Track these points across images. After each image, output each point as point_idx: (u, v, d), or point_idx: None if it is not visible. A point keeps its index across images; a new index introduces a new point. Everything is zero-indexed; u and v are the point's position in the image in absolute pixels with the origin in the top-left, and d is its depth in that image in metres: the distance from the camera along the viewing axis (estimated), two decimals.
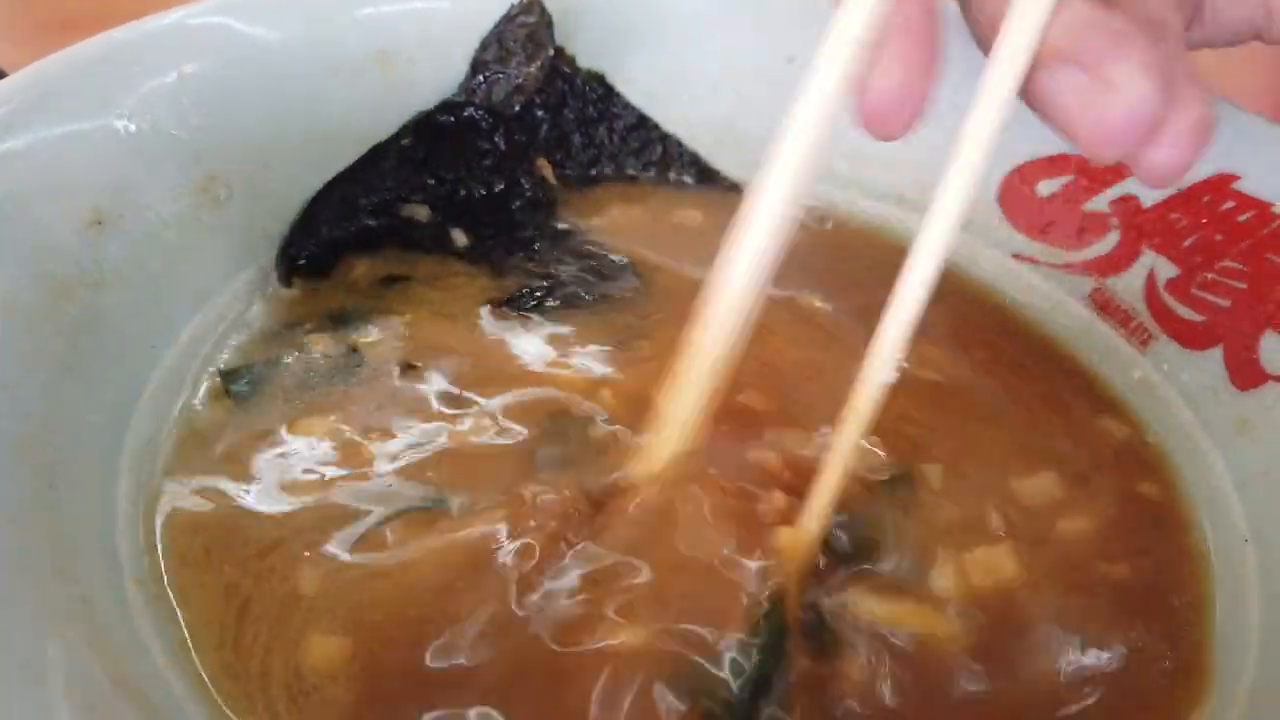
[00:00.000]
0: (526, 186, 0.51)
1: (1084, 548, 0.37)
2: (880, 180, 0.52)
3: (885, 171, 0.51)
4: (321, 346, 0.40)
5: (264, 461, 0.35)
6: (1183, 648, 0.34)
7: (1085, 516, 0.38)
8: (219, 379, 0.38)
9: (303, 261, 0.44)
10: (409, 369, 0.39)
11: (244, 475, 0.35)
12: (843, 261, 0.50)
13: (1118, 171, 0.45)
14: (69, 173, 0.36)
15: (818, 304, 0.46)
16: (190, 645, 0.30)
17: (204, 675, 0.30)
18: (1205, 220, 0.42)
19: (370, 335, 0.40)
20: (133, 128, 0.39)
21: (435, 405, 0.38)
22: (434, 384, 0.38)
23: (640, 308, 0.44)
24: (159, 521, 0.33)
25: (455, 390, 0.38)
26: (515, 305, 0.43)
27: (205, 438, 0.36)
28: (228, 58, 0.43)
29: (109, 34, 0.39)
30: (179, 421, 0.37)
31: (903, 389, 0.32)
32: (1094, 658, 0.34)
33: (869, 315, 0.44)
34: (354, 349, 0.40)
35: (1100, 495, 0.39)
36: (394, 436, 0.36)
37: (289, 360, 0.39)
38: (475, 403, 0.38)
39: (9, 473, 0.29)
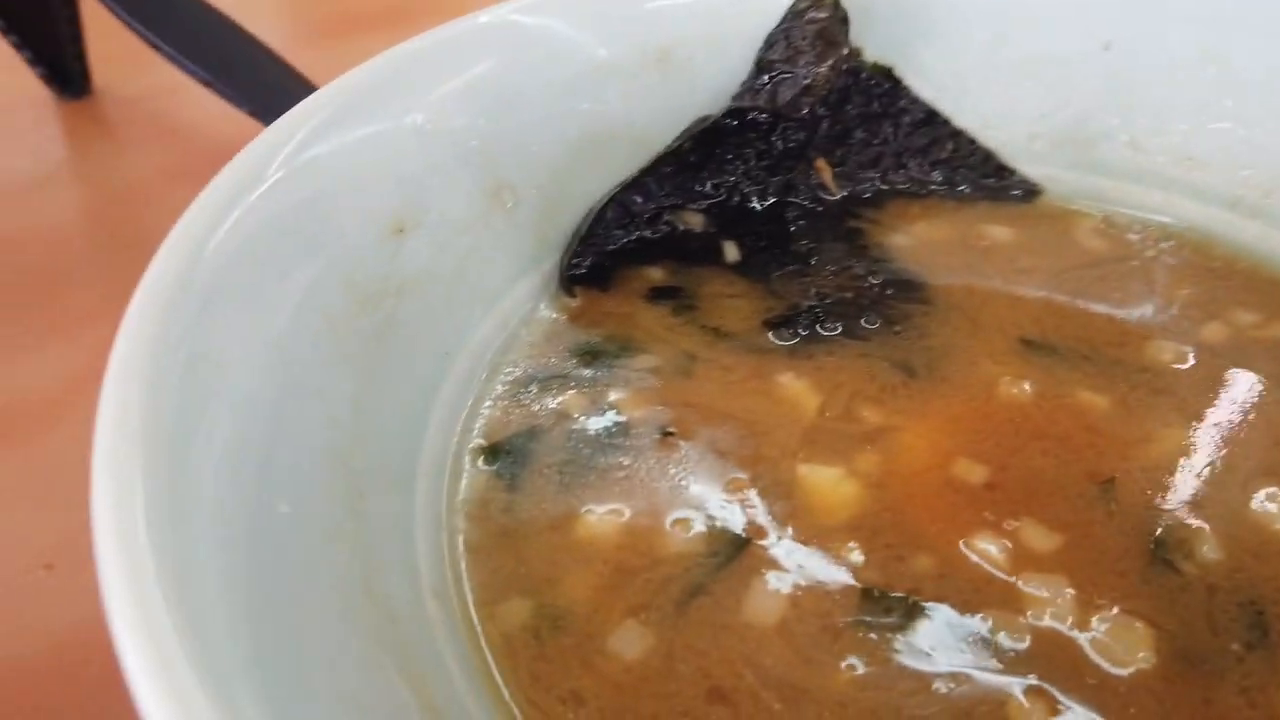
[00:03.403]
0: (803, 193, 0.48)
1: None
2: (1214, 182, 0.45)
3: (1221, 172, 0.45)
4: (578, 410, 0.38)
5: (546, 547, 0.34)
6: None
7: None
8: (481, 455, 0.36)
9: (584, 272, 0.43)
10: (667, 435, 0.37)
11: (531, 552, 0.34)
12: (1160, 274, 0.44)
13: None
14: (372, 181, 0.37)
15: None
16: (492, 666, 0.30)
17: (505, 696, 0.29)
18: None
19: (625, 393, 0.38)
20: (429, 132, 0.39)
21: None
22: (697, 458, 0.36)
23: (929, 336, 0.41)
24: (460, 535, 0.34)
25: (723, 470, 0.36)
26: (787, 328, 0.41)
27: (488, 506, 0.35)
28: (516, 59, 0.42)
29: (410, 42, 0.40)
30: (467, 453, 0.37)
31: None
32: None
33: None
34: (614, 409, 0.38)
35: None
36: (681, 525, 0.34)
37: (551, 431, 0.37)
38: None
39: (326, 485, 0.30)
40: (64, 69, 0.69)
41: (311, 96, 0.37)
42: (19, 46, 0.66)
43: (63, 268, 0.58)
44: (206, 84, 0.56)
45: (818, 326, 0.41)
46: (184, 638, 0.21)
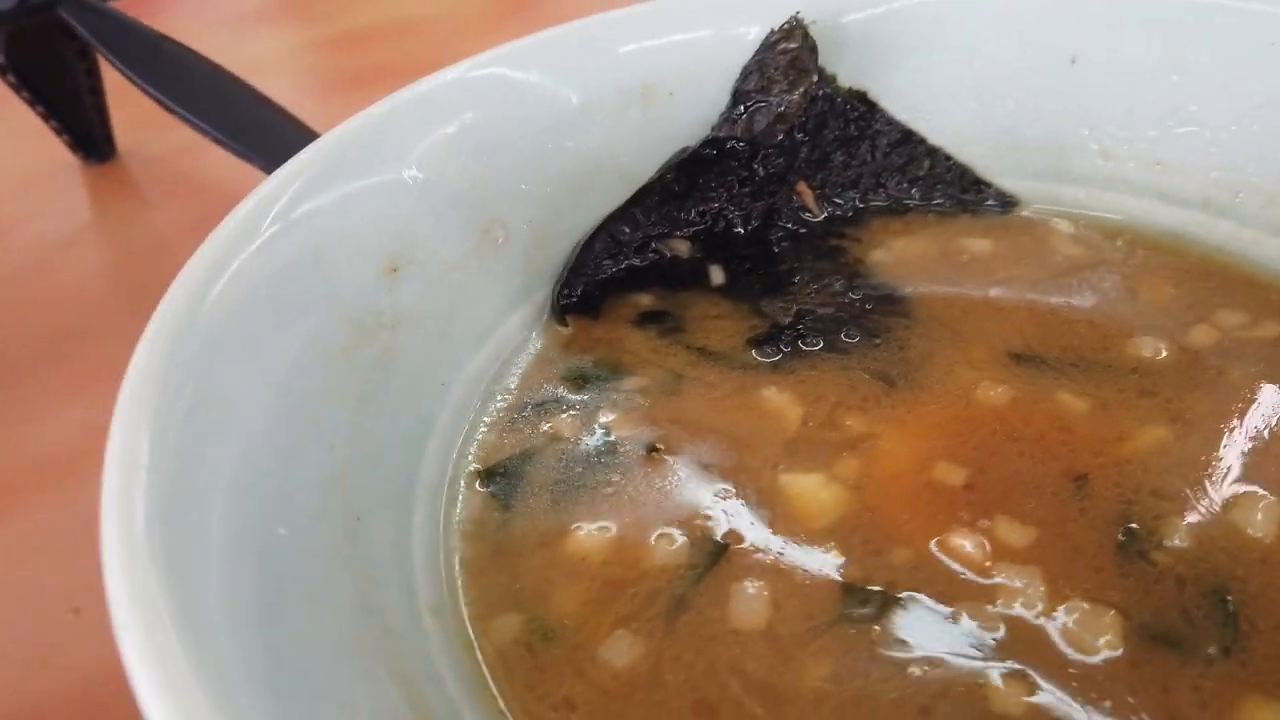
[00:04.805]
0: (786, 216, 0.50)
1: None
2: (1184, 185, 0.47)
3: (1190, 175, 0.46)
4: (569, 432, 0.39)
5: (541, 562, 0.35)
6: None
7: None
8: (477, 479, 0.38)
9: (574, 301, 0.45)
10: (654, 452, 0.38)
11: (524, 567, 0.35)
12: (1137, 277, 0.45)
13: None
14: (367, 225, 0.39)
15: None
16: (487, 676, 0.31)
17: (501, 706, 0.31)
18: None
19: (613, 414, 0.40)
20: (420, 177, 0.41)
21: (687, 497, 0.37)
22: (682, 473, 0.37)
23: (909, 348, 0.42)
24: (456, 554, 0.35)
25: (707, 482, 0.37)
26: (770, 344, 0.43)
27: (483, 525, 0.37)
28: (502, 105, 0.45)
29: (399, 94, 0.42)
30: (464, 476, 0.38)
31: None
32: None
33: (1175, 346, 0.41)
34: (604, 429, 0.39)
35: None
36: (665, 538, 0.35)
37: (543, 453, 0.39)
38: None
39: (322, 507, 0.32)
40: (89, 135, 0.73)
41: (305, 150, 0.39)
42: (46, 117, 0.70)
43: (88, 324, 0.61)
44: (219, 142, 0.59)
45: (800, 342, 0.43)
46: (190, 651, 0.22)
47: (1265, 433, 0.37)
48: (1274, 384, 0.39)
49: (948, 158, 0.51)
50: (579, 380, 0.42)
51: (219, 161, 0.62)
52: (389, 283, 0.39)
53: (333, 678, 0.27)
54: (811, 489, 0.36)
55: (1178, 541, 0.33)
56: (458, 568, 0.35)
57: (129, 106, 0.70)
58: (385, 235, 0.40)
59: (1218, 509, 0.34)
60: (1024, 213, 0.50)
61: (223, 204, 0.36)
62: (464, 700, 0.30)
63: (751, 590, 0.33)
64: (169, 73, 0.59)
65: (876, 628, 0.32)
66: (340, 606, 0.29)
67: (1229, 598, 0.32)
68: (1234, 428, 0.37)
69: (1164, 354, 0.40)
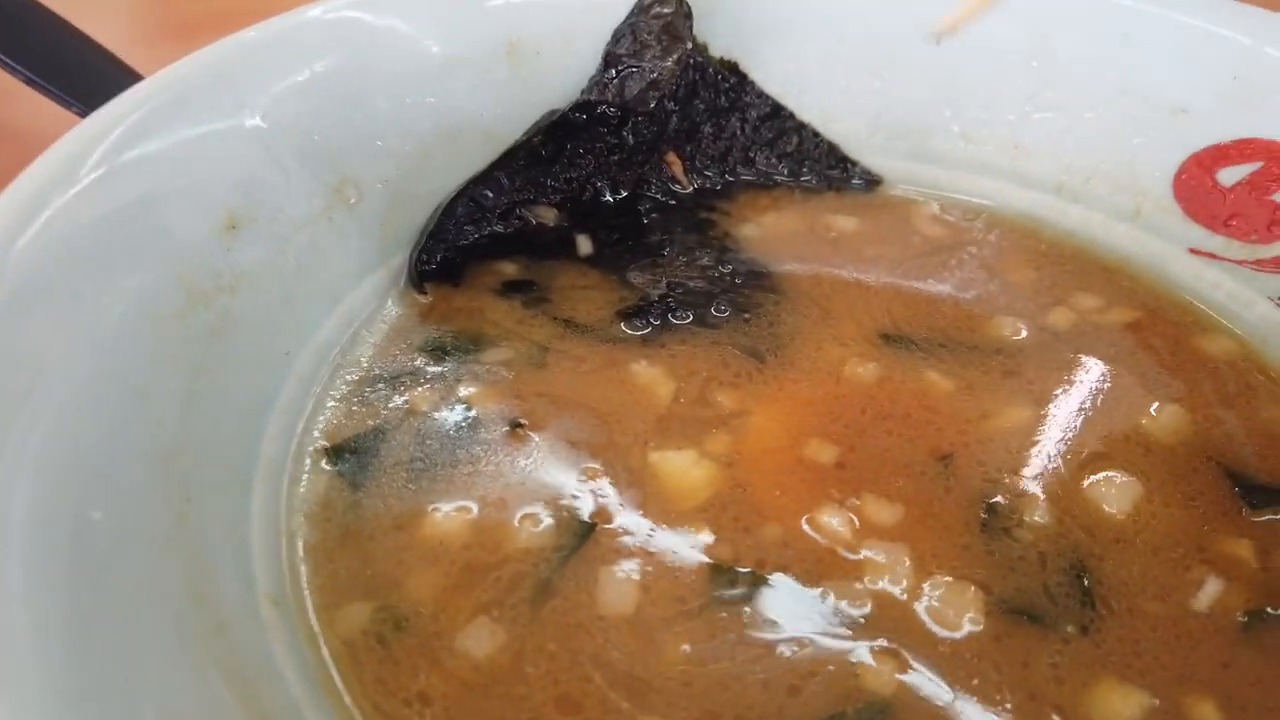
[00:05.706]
0: (655, 187, 0.48)
1: None
2: (1039, 170, 0.48)
3: (1045, 159, 0.47)
4: (427, 406, 0.37)
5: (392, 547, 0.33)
6: None
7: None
8: (324, 456, 0.35)
9: (434, 268, 0.42)
10: (518, 428, 0.36)
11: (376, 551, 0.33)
12: (997, 258, 0.46)
13: None
14: (203, 175, 0.35)
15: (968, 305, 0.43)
16: (332, 670, 0.29)
17: (347, 702, 0.28)
18: None
19: (475, 387, 0.38)
20: (265, 127, 0.38)
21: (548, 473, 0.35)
22: (549, 450, 0.35)
23: (779, 324, 0.41)
24: (299, 538, 0.33)
25: (575, 460, 0.35)
26: (639, 318, 0.41)
27: (330, 507, 0.34)
28: (359, 53, 0.41)
29: (243, 33, 0.38)
30: (308, 454, 0.35)
31: None
32: None
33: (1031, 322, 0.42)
34: (464, 403, 0.37)
35: None
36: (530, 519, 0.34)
37: (398, 429, 0.36)
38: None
39: (148, 485, 0.28)
40: None
41: (135, 88, 0.35)
42: None
43: None
44: (35, 85, 0.53)
45: (670, 316, 0.42)
46: None
47: (1119, 414, 0.38)
48: (1127, 367, 0.40)
49: (816, 134, 0.50)
50: (438, 351, 0.39)
51: (29, 109, 0.56)
52: (227, 240, 0.36)
53: (154, 677, 0.24)
54: (683, 467, 0.35)
55: (1038, 518, 0.34)
56: (301, 553, 0.32)
57: None
58: (224, 188, 0.36)
59: (1076, 487, 0.35)
60: (888, 192, 0.50)
61: (32, 157, 0.31)
62: (306, 697, 0.28)
63: (620, 574, 0.32)
64: None
65: (746, 608, 0.31)
66: (166, 598, 0.26)
67: (1085, 578, 0.32)
68: (1091, 408, 0.38)
69: (1024, 334, 0.41)
